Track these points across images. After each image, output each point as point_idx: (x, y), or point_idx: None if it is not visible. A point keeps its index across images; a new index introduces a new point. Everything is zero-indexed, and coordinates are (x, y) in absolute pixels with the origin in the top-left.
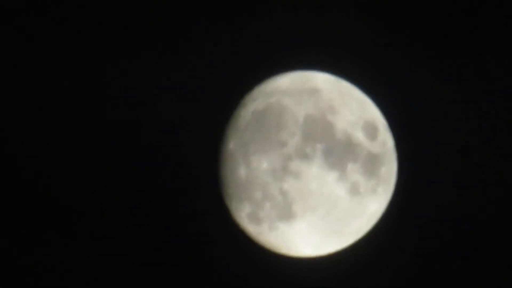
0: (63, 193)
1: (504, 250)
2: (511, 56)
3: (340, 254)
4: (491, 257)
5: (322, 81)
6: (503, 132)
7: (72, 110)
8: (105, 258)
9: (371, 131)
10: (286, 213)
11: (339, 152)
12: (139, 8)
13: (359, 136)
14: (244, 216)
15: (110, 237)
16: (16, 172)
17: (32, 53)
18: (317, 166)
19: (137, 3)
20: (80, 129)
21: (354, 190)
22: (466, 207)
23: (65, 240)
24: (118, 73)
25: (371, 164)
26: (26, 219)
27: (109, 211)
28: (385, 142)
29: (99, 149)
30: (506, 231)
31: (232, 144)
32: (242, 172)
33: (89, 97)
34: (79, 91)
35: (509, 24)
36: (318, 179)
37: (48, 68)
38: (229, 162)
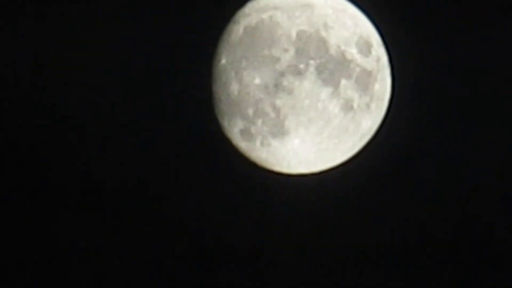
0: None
1: (498, 176)
2: None
3: (333, 171)
4: (485, 180)
5: None
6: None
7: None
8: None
9: (365, 47)
10: (279, 130)
11: (333, 68)
12: None
13: (353, 52)
14: (236, 132)
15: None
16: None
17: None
18: (310, 82)
19: None
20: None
21: (347, 107)
22: (459, 123)
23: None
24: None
25: (365, 80)
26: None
27: (106, 125)
28: (379, 58)
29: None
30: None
31: (224, 59)
32: (234, 88)
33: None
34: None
35: None
36: (311, 95)
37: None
38: (221, 78)
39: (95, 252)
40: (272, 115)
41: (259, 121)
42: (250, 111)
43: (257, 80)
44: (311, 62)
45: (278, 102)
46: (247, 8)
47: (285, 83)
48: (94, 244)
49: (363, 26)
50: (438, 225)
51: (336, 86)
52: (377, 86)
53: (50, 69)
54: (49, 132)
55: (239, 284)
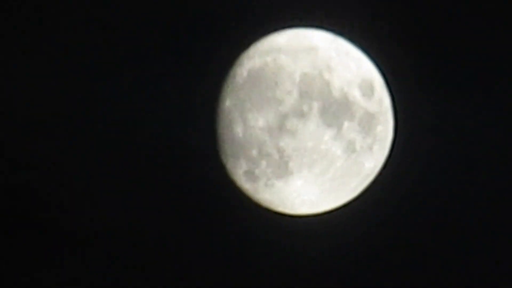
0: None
1: (499, 213)
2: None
3: (335, 212)
4: (487, 217)
5: (319, 39)
6: (503, 95)
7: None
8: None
9: (367, 89)
10: (283, 171)
11: (336, 110)
12: None
13: (356, 94)
14: (240, 173)
15: (104, 195)
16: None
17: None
18: (314, 124)
19: None
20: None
21: (350, 148)
22: (461, 165)
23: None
24: (110, 35)
25: (368, 122)
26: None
27: (106, 174)
28: (381, 100)
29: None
30: (502, 194)
31: (229, 102)
32: (238, 130)
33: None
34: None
35: None
36: (314, 137)
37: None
38: (225, 120)
39: None
40: (276, 156)
41: (263, 163)
42: (254, 153)
43: (261, 122)
44: (315, 104)
45: (282, 143)
46: (251, 51)
47: (288, 125)
48: None
49: (366, 69)
50: (441, 266)
51: (339, 128)
52: (379, 128)
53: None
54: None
55: None
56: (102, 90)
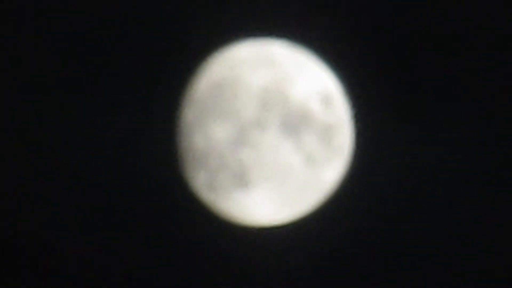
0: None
1: (464, 219)
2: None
3: (294, 223)
4: (449, 227)
5: (278, 50)
6: (466, 105)
7: None
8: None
9: (327, 101)
10: (242, 182)
11: (295, 121)
12: None
13: (315, 106)
14: (200, 184)
15: (67, 211)
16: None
17: None
18: (273, 135)
19: None
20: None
21: (309, 160)
22: (422, 176)
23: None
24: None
25: (327, 134)
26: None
27: (69, 186)
28: (341, 112)
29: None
30: (467, 200)
31: (188, 113)
32: (198, 141)
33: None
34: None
35: None
36: (273, 149)
37: None
38: (185, 131)
39: None
40: (235, 168)
41: (223, 174)
42: (214, 164)
43: (220, 134)
44: (274, 116)
45: (241, 155)
46: (210, 63)
47: (247, 137)
48: None
49: (325, 80)
50: (403, 279)
51: (298, 139)
52: (338, 139)
53: None
54: None
55: None
56: (54, 100)
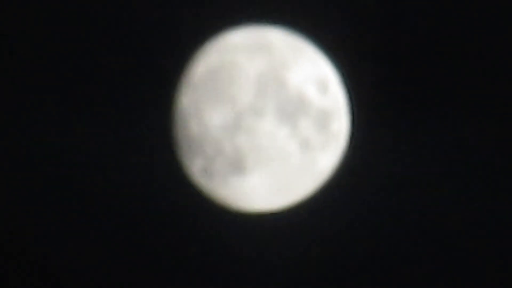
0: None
1: (462, 207)
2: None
3: (290, 209)
4: (446, 215)
5: (275, 36)
6: (462, 92)
7: None
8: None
9: (323, 87)
10: (238, 168)
11: (291, 108)
12: None
13: (311, 92)
14: (196, 170)
15: (62, 200)
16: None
17: None
18: (269, 121)
19: None
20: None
21: (305, 146)
22: (418, 162)
23: None
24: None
25: (323, 120)
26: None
27: (65, 173)
28: (337, 98)
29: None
30: (465, 188)
31: (184, 100)
32: (194, 127)
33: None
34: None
35: None
36: (269, 135)
37: None
38: (181, 117)
39: None
40: (232, 154)
41: (219, 160)
42: (210, 150)
43: (217, 120)
44: (270, 102)
45: (237, 141)
46: (207, 49)
47: (244, 122)
48: None
49: (321, 66)
50: (399, 266)
51: (294, 125)
52: (334, 125)
53: None
54: None
55: None
56: (49, 83)
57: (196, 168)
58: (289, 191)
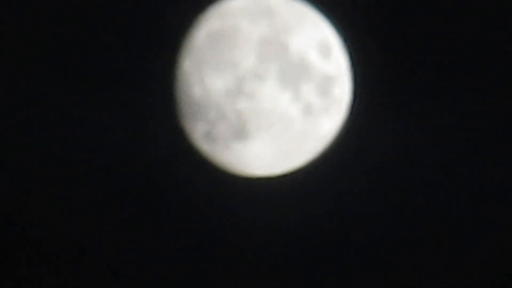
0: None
1: (461, 176)
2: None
3: (293, 173)
4: (446, 180)
5: (277, 1)
6: (459, 60)
7: None
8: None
9: (325, 52)
10: (240, 133)
11: (293, 72)
12: None
13: (314, 57)
14: (198, 135)
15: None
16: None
17: None
18: (271, 86)
19: None
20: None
21: (307, 110)
22: (419, 129)
23: None
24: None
25: (325, 85)
26: None
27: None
28: (339, 63)
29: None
30: (465, 158)
31: (186, 64)
32: (196, 92)
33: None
34: None
35: None
36: (271, 99)
37: None
38: (183, 82)
39: None
40: (234, 118)
41: (221, 125)
42: (212, 115)
43: (219, 84)
44: (272, 67)
45: (240, 106)
46: (209, 13)
47: (246, 87)
48: None
49: (323, 31)
50: (399, 240)
51: (296, 90)
52: (337, 90)
53: None
54: None
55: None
56: (56, 60)
57: (199, 132)
58: (291, 156)
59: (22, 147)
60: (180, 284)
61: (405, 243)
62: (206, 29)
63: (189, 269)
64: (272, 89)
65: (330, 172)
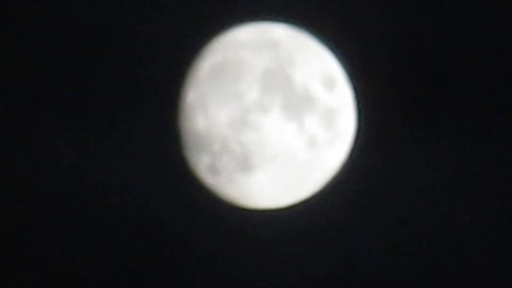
0: None
1: (467, 199)
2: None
3: (298, 206)
4: (452, 210)
5: (281, 33)
6: (467, 87)
7: None
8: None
9: (329, 84)
10: (244, 165)
11: (297, 104)
12: None
13: (318, 89)
14: (202, 168)
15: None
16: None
17: None
18: (275, 118)
19: None
20: None
21: (312, 143)
22: (423, 160)
23: None
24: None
25: (329, 117)
26: None
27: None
28: (343, 95)
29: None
30: (471, 181)
31: (191, 96)
32: (200, 124)
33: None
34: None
35: None
36: (276, 131)
37: None
38: (187, 114)
39: None
40: (238, 150)
41: (225, 157)
42: (216, 147)
43: (223, 116)
44: (276, 98)
45: (244, 138)
46: (213, 45)
47: (250, 119)
48: None
49: (327, 63)
50: (404, 263)
51: (300, 122)
52: (341, 122)
53: None
54: None
55: None
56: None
57: (203, 165)
58: (296, 188)
59: (21, 189)
60: None
61: (411, 276)
62: (210, 61)
63: None
64: (276, 121)
65: (335, 204)
